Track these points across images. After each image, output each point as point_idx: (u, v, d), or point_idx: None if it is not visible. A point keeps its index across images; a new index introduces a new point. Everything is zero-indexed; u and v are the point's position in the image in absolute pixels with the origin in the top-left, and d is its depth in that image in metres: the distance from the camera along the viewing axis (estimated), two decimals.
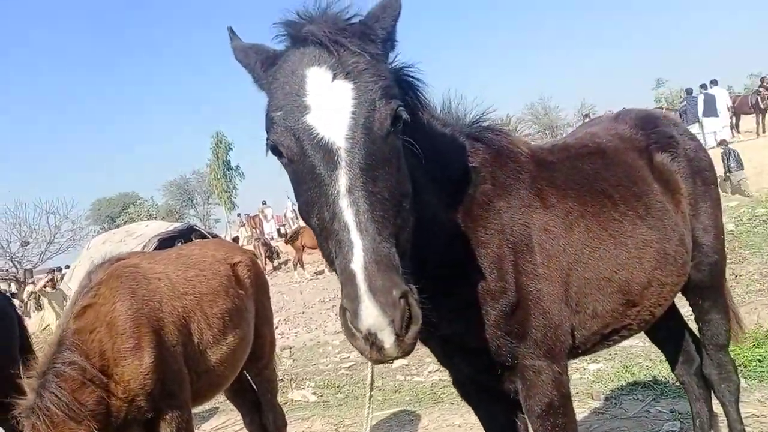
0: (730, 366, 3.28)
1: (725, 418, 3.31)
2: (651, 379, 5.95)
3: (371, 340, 1.45)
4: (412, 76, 2.09)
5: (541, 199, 2.52)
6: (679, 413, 5.02)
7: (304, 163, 1.69)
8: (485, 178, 2.42)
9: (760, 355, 5.93)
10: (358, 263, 1.48)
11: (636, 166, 2.96)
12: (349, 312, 1.46)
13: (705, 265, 3.11)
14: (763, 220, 12.96)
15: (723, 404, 3.28)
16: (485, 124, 2.59)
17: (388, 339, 1.44)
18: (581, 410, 5.35)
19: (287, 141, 1.72)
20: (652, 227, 2.75)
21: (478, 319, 2.29)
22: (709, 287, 3.17)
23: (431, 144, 2.23)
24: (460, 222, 2.30)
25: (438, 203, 2.25)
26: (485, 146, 2.51)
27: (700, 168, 3.18)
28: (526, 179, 2.53)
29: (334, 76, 1.70)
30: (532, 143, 2.92)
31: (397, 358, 1.51)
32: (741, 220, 13.29)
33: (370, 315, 1.42)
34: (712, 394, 3.40)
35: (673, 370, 3.66)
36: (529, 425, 2.53)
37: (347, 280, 1.48)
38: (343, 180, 1.60)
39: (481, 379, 2.49)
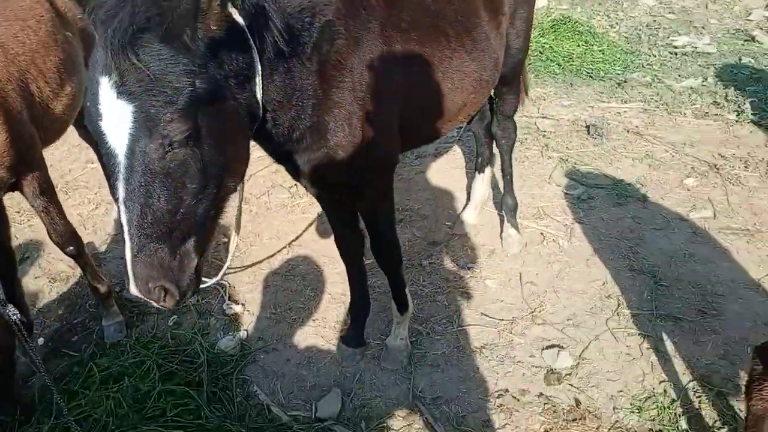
0: (511, 128, 4.19)
1: (500, 160, 4.40)
2: None
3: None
4: None
5: (388, 46, 2.69)
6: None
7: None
8: (339, 32, 2.47)
9: (542, 46, 6.63)
10: (128, 256, 1.91)
11: None
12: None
13: (509, 64, 3.65)
14: None
15: (501, 154, 4.31)
16: None
17: (154, 304, 2.01)
18: None
19: (95, 134, 1.89)
20: (474, 59, 3.14)
21: (330, 167, 2.68)
22: (510, 80, 3.82)
23: (283, 25, 2.21)
24: (318, 87, 2.44)
25: (299, 74, 2.35)
26: None
27: None
28: (375, 28, 2.62)
29: (117, 95, 1.77)
30: None
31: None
32: None
33: (134, 292, 1.96)
34: (494, 144, 4.40)
35: (468, 125, 4.52)
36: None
37: (125, 259, 1.95)
38: (120, 189, 1.85)
39: (329, 195, 3.11)
